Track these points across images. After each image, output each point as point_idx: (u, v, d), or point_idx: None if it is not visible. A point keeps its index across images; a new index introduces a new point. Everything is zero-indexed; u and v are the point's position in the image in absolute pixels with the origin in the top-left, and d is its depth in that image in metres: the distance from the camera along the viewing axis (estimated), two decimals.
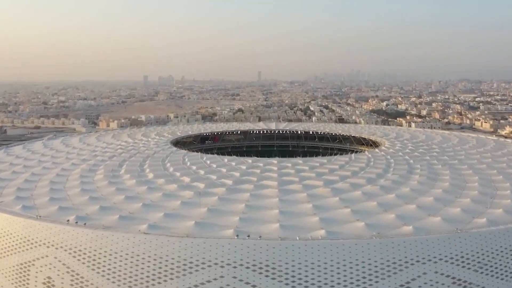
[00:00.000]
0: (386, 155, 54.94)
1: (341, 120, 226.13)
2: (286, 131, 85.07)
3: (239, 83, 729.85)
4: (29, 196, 38.40)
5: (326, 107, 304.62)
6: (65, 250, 30.20)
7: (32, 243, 31.59)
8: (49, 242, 30.90)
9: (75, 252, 29.90)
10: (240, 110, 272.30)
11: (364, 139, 74.92)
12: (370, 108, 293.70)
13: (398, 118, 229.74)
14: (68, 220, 31.95)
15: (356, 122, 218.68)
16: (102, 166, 48.97)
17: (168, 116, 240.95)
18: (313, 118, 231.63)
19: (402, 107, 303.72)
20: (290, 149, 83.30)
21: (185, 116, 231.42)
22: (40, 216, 33.09)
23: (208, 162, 50.89)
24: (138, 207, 35.05)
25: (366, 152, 57.34)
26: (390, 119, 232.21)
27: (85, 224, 31.27)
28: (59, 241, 30.63)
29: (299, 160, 51.83)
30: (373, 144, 72.42)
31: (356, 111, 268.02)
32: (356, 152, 72.39)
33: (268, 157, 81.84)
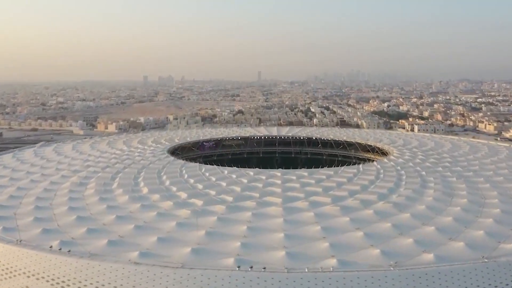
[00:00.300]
0: (396, 165, 51.81)
1: (342, 122, 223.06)
2: (288, 137, 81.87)
3: (239, 83, 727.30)
4: (11, 216, 35.23)
5: (327, 108, 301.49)
6: (47, 281, 27.05)
7: (11, 272, 28.48)
8: (29, 272, 27.78)
9: (57, 283, 26.74)
10: (240, 111, 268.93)
11: (370, 145, 71.78)
12: (372, 110, 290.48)
13: (400, 120, 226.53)
14: (51, 247, 28.78)
15: (358, 124, 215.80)
16: (94, 179, 45.81)
17: (167, 118, 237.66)
18: (314, 120, 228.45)
19: (403, 108, 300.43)
20: (293, 155, 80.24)
21: (184, 118, 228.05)
22: (21, 241, 29.97)
23: (207, 174, 47.74)
24: (129, 230, 31.88)
25: (375, 163, 54.16)
26: (392, 121, 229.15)
27: (69, 251, 28.08)
28: (41, 271, 27.49)
29: (304, 172, 48.65)
30: (380, 152, 69.39)
31: (358, 113, 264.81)
32: (363, 160, 69.67)
33: (270, 164, 79.03)
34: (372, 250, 28.33)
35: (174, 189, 42.17)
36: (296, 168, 76.20)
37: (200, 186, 42.93)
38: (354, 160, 71.94)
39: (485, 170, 50.05)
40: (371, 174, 47.35)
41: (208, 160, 74.67)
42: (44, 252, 28.17)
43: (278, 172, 48.56)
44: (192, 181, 45.07)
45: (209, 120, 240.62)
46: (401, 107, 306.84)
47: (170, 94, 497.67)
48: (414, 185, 42.66)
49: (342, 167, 51.65)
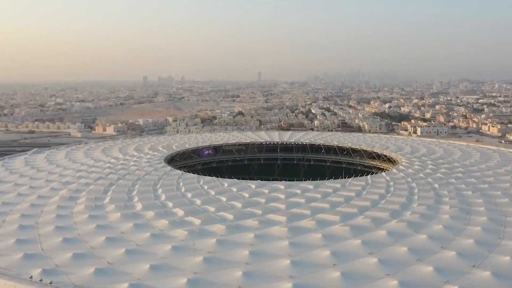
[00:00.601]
0: (406, 177, 48.88)
1: (344, 124, 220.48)
2: (290, 143, 78.94)
3: (239, 84, 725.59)
4: None
5: (328, 110, 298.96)
6: None
7: None
8: None
9: None
10: (240, 113, 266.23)
11: (376, 153, 68.87)
12: (373, 111, 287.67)
13: (402, 122, 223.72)
14: (31, 277, 25.83)
15: (359, 126, 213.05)
16: (85, 193, 42.86)
17: (166, 120, 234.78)
18: (315, 122, 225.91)
19: (405, 109, 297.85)
20: (295, 162, 77.34)
21: (184, 120, 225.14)
22: None
23: (206, 187, 44.78)
24: (119, 255, 28.90)
25: (384, 174, 51.18)
26: (394, 123, 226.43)
27: (51, 283, 25.10)
28: None
29: (308, 184, 45.70)
30: (386, 159, 66.54)
31: (359, 114, 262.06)
32: (369, 167, 67.02)
33: (271, 171, 76.43)
34: (389, 281, 25.37)
35: (170, 205, 39.24)
36: (299, 175, 73.65)
37: (198, 202, 39.98)
38: (359, 168, 69.09)
39: (501, 182, 47.14)
40: (381, 187, 44.46)
41: (207, 167, 71.89)
42: (22, 284, 25.18)
43: (281, 185, 45.62)
44: (189, 195, 42.14)
45: (208, 121, 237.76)
46: (402, 108, 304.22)
47: (169, 95, 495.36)
48: (427, 200, 39.74)
49: (350, 179, 48.72)
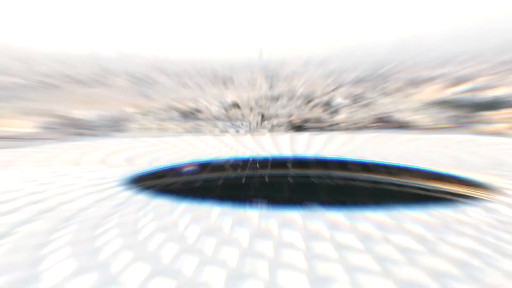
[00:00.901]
0: None
1: (383, 119, 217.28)
2: (307, 158, 76.04)
3: (233, 62, 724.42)
4: None
5: (359, 98, 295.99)
6: None
7: None
8: None
9: None
10: (235, 104, 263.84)
11: (454, 176, 63.30)
12: (432, 98, 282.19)
13: (486, 112, 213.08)
14: None
15: (407, 122, 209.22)
16: None
17: (127, 112, 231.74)
18: (340, 117, 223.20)
19: (494, 93, 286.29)
20: (313, 181, 74.20)
21: (155, 114, 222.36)
22: None
23: (182, 225, 40.80)
24: None
25: (474, 210, 45.14)
26: (469, 115, 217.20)
27: None
28: None
29: (339, 216, 41.58)
30: (463, 183, 60.78)
31: (408, 104, 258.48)
32: (433, 192, 62.93)
33: (279, 189, 73.38)
34: None
35: (128, 257, 35.03)
36: (317, 199, 70.09)
37: (167, 257, 35.65)
38: (415, 191, 64.91)
39: None
40: (470, 235, 40.26)
41: (187, 188, 68.63)
42: None
43: (296, 216, 41.77)
44: (156, 242, 38.10)
45: (191, 116, 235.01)
46: (489, 91, 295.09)
47: (134, 77, 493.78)
48: None
49: (405, 210, 44.15)
